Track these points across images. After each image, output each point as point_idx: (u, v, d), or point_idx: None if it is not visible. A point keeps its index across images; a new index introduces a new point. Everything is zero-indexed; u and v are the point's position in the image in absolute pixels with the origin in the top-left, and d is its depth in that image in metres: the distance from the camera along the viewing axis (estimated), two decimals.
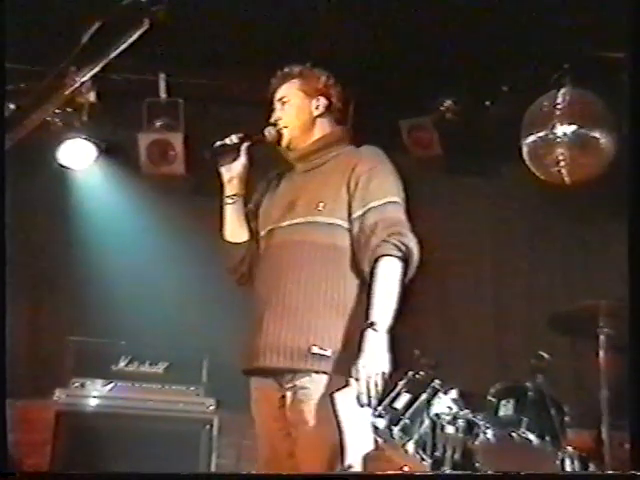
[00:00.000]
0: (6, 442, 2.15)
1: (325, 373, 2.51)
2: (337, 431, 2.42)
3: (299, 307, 2.59)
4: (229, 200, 2.84)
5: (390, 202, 2.65)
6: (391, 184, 2.70)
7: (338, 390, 2.46)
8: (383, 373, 2.43)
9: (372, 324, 2.48)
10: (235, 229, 2.86)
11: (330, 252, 2.63)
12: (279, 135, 2.82)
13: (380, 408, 3.59)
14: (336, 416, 2.43)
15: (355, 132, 4.69)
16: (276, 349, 2.57)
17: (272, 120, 2.84)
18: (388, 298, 2.54)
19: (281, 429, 2.62)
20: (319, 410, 2.50)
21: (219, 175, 2.83)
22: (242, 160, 2.81)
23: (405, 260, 2.57)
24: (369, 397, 2.40)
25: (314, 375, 2.53)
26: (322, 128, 2.85)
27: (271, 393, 2.64)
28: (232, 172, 2.81)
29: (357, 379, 2.42)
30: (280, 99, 2.85)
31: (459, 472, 3.49)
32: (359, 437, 2.46)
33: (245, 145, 2.80)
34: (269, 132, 2.82)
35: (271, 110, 2.88)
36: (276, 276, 2.67)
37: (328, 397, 2.46)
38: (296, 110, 2.82)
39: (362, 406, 2.41)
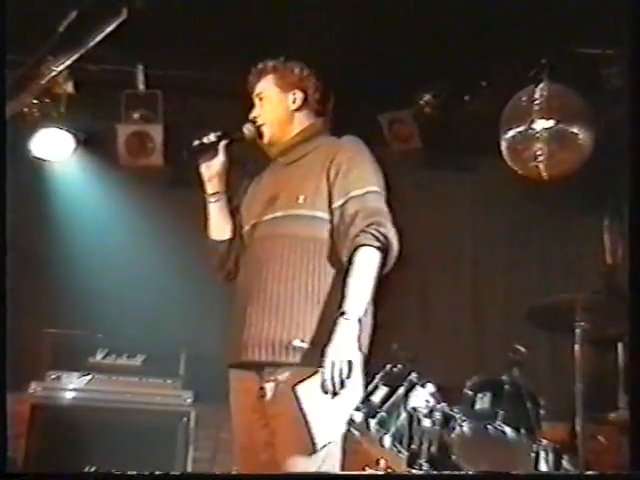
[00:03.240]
0: (6, 443, 2.14)
1: (306, 365, 2.51)
2: (303, 422, 2.41)
3: (280, 300, 2.58)
4: (211, 199, 2.84)
5: (371, 192, 2.64)
6: (371, 173, 2.70)
7: (300, 382, 2.45)
8: (349, 361, 2.41)
9: (343, 313, 2.48)
10: (220, 227, 2.86)
11: (311, 245, 2.63)
12: (258, 132, 2.82)
13: (357, 401, 3.60)
14: (300, 408, 2.41)
15: (335, 126, 4.72)
16: (258, 343, 2.57)
17: (250, 117, 2.84)
18: (362, 288, 2.53)
19: (259, 420, 2.61)
20: (293, 405, 2.48)
21: (199, 174, 2.82)
22: (221, 158, 2.80)
23: (384, 250, 2.56)
24: (333, 384, 2.39)
25: (296, 369, 2.52)
26: (301, 121, 2.84)
27: (250, 384, 2.64)
28: (212, 170, 2.81)
29: (323, 365, 2.41)
30: (257, 95, 2.85)
31: (460, 472, 3.51)
32: (328, 425, 2.45)
33: (223, 143, 2.79)
34: (248, 129, 2.82)
35: (252, 107, 2.88)
36: (257, 270, 2.66)
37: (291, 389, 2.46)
38: (273, 106, 2.82)
39: (326, 393, 2.40)
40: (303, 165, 2.77)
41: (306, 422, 2.40)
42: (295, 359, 2.52)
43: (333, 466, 2.52)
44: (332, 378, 2.39)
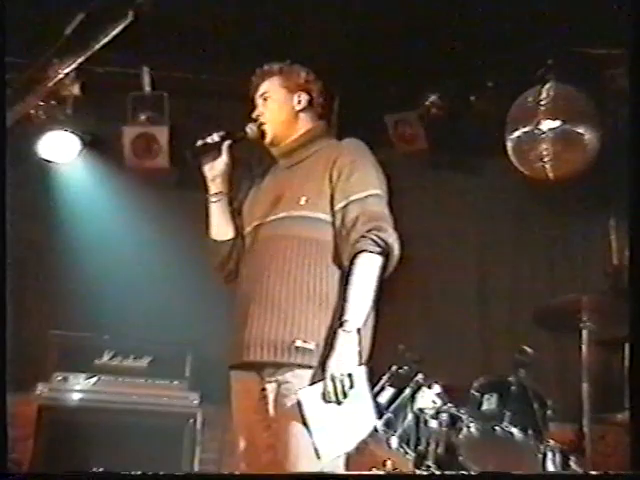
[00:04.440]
0: (7, 443, 2.14)
1: (309, 367, 2.51)
2: (305, 430, 2.42)
3: (282, 301, 2.58)
4: (213, 199, 2.83)
5: (372, 195, 2.65)
6: (373, 177, 2.71)
7: (302, 389, 2.47)
8: (349, 374, 2.44)
9: (342, 323, 2.49)
10: (221, 227, 2.85)
11: (313, 246, 2.63)
12: (261, 131, 2.81)
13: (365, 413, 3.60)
14: (302, 415, 2.42)
15: (341, 127, 4.73)
16: (260, 343, 2.57)
17: (253, 116, 2.83)
18: (363, 296, 2.55)
19: (260, 421, 2.61)
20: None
21: (202, 174, 2.82)
22: (224, 158, 2.80)
23: (385, 255, 2.58)
24: (335, 396, 2.42)
25: (297, 370, 2.53)
26: (304, 123, 2.85)
27: (252, 386, 2.64)
28: (215, 171, 2.80)
29: (324, 378, 2.44)
30: (261, 95, 2.84)
31: (464, 473, 3.50)
32: (332, 435, 2.45)
33: (227, 143, 2.79)
34: (251, 129, 2.81)
35: (253, 108, 2.88)
36: (260, 271, 2.66)
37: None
38: (278, 106, 2.82)
39: (328, 403, 2.43)
40: (305, 167, 2.77)
41: (309, 432, 2.40)
42: (297, 359, 2.52)
43: (337, 467, 2.51)
44: (334, 390, 2.42)
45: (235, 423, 2.72)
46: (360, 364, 2.49)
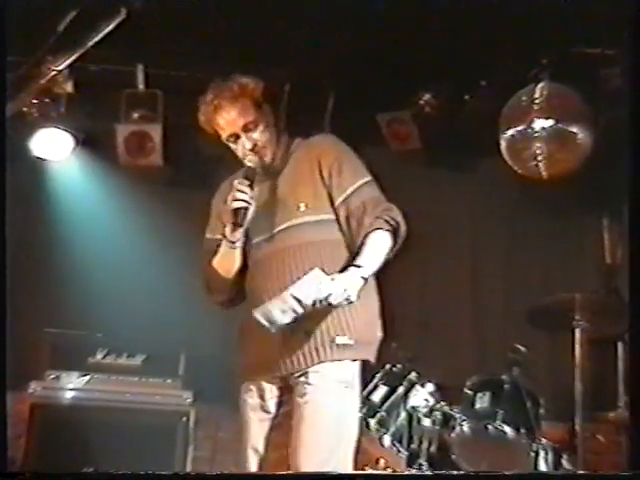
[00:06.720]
0: (6, 442, 2.14)
1: (345, 359, 2.57)
2: (334, 429, 2.50)
3: None
4: (237, 244, 2.74)
5: (366, 183, 2.75)
6: (359, 166, 2.80)
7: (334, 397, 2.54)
8: (329, 295, 2.45)
9: (357, 266, 2.56)
10: (233, 266, 2.79)
11: (327, 247, 2.67)
12: (261, 159, 2.78)
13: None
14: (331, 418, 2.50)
15: (334, 125, 4.72)
16: (301, 350, 2.57)
17: (249, 148, 2.77)
18: (376, 257, 2.62)
19: (270, 419, 2.66)
20: (320, 403, 2.53)
21: (227, 221, 2.72)
22: (254, 207, 2.69)
23: (394, 233, 2.67)
24: (313, 301, 2.44)
25: (317, 366, 2.56)
26: (274, 131, 2.85)
27: (263, 385, 2.68)
28: (245, 220, 2.69)
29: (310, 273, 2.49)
30: (245, 126, 2.76)
31: (465, 473, 3.51)
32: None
33: (255, 193, 2.68)
34: (252, 160, 2.76)
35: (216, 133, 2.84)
36: (277, 284, 2.60)
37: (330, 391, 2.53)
38: (263, 129, 2.78)
39: (295, 297, 2.45)
40: (288, 175, 2.78)
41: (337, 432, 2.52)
42: (339, 356, 2.56)
43: (345, 466, 2.55)
44: (308, 289, 2.44)
45: (243, 420, 2.72)
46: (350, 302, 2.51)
